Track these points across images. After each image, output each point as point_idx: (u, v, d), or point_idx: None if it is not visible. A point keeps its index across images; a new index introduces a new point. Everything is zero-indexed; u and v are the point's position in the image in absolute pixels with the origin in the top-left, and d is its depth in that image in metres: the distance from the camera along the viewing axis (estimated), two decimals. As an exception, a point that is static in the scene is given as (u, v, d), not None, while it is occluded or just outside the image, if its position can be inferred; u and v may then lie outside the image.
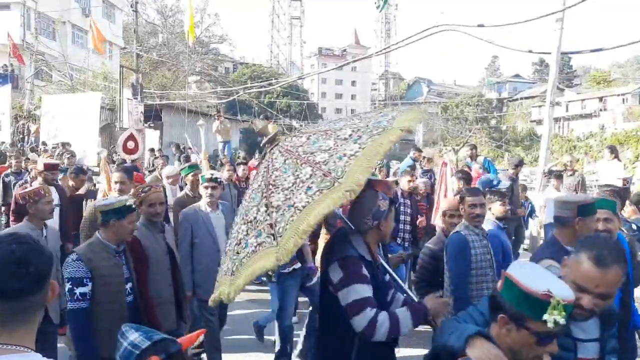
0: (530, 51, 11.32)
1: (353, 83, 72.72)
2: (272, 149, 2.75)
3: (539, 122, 44.44)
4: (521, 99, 60.56)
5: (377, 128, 2.51)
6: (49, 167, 6.83)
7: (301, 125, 54.59)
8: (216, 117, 16.74)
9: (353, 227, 2.76)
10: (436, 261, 4.44)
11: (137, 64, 21.67)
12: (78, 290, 3.28)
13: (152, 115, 22.55)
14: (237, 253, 2.40)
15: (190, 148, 16.01)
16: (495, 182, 7.92)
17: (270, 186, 2.43)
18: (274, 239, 2.20)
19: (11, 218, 6.67)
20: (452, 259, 4.05)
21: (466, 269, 3.95)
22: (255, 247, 2.29)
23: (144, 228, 4.10)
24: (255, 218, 2.41)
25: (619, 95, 51.82)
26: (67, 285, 3.29)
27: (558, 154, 36.23)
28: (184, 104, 22.97)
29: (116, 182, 5.81)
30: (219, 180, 5.16)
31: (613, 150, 9.73)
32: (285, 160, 2.52)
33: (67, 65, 28.05)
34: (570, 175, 9.72)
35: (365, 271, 2.60)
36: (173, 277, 4.19)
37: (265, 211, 2.36)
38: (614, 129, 46.89)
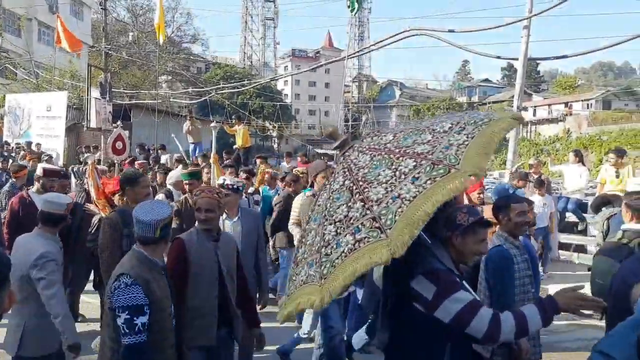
0: (499, 57, 11.54)
1: (327, 85, 72.86)
2: (346, 151, 2.64)
3: (508, 126, 45.10)
4: (490, 103, 61.63)
5: (480, 120, 2.38)
6: (50, 174, 6.12)
7: (274, 127, 54.53)
8: (187, 118, 16.56)
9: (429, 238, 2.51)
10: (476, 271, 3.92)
11: (105, 63, 21.24)
12: (139, 321, 2.76)
13: (121, 115, 22.16)
14: (327, 255, 2.21)
15: (162, 148, 15.81)
16: (511, 191, 7.90)
17: (361, 183, 2.30)
18: (381, 232, 2.05)
19: (4, 230, 5.84)
20: (496, 276, 3.61)
21: (512, 288, 3.57)
22: (354, 244, 2.11)
23: (194, 233, 3.71)
24: (346, 216, 2.24)
25: (583, 100, 53.24)
26: (123, 316, 2.76)
27: (526, 157, 36.93)
28: (155, 104, 22.65)
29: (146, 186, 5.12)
30: (236, 186, 4.66)
31: (577, 154, 9.95)
32: (372, 157, 2.41)
33: (32, 63, 27.38)
34: (536, 177, 9.91)
35: (457, 280, 2.43)
36: (220, 290, 3.66)
37: (363, 206, 2.20)
38: (579, 133, 48.10)
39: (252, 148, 16.40)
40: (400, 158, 2.28)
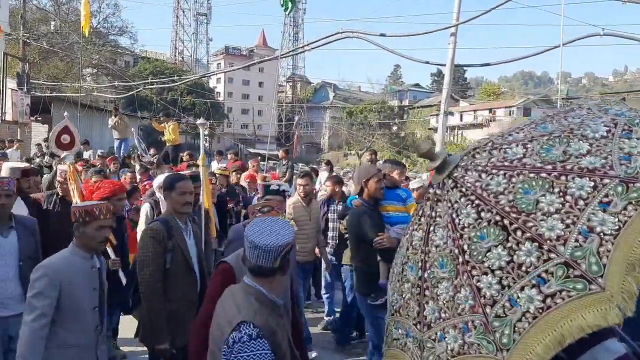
0: (427, 62, 11.81)
1: (260, 84, 72.34)
2: (451, 172, 2.05)
3: (436, 129, 46.75)
4: (420, 107, 63.48)
5: (636, 115, 1.94)
6: (24, 173, 5.05)
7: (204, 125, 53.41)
8: (113, 113, 15.89)
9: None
10: None
11: (24, 52, 20.08)
12: None
13: (40, 109, 20.99)
14: (498, 317, 1.65)
15: (85, 143, 15.02)
16: None
17: (513, 214, 1.74)
18: (589, 282, 1.54)
19: None
20: None
21: None
22: (544, 300, 1.58)
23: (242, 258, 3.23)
24: (510, 261, 1.68)
25: (506, 107, 55.98)
26: None
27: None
28: (77, 98, 21.59)
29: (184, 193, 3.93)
30: (282, 190, 4.05)
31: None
32: (510, 179, 1.82)
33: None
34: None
35: None
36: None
37: (538, 247, 1.65)
38: (502, 138, 50.46)
39: (182, 146, 15.95)
40: (562, 177, 1.75)
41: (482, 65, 10.26)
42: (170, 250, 3.67)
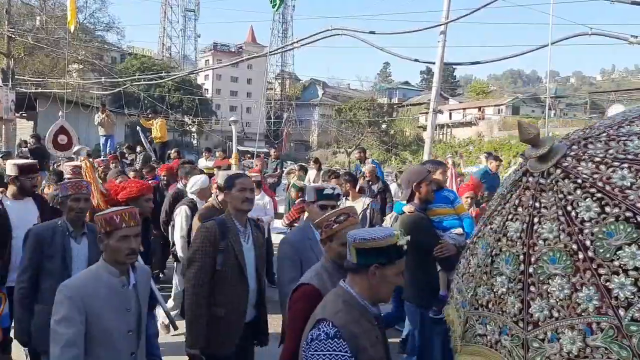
0: (416, 60, 11.76)
1: (249, 81, 72.05)
2: (559, 161, 1.91)
3: (425, 127, 46.97)
4: (409, 105, 63.64)
5: None
6: (26, 170, 4.58)
7: (193, 122, 53.26)
8: (100, 110, 15.69)
9: None
10: None
11: (8, 48, 19.78)
12: None
13: (25, 105, 20.70)
14: (636, 321, 1.51)
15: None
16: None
17: None
18: None
19: None
20: None
21: None
22: None
23: (324, 273, 2.77)
24: None
25: (495, 106, 56.28)
26: None
27: (441, 158, 38.42)
28: (63, 94, 21.31)
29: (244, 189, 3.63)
30: (337, 193, 3.68)
31: (489, 156, 10.38)
32: (637, 174, 1.69)
33: None
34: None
35: None
36: None
37: None
38: (491, 136, 50.78)
39: (169, 143, 15.83)
40: None
41: (471, 63, 10.26)
42: (221, 251, 3.42)
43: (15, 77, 20.02)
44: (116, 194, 4.61)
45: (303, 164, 13.89)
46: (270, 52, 20.08)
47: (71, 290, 2.56)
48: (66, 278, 3.08)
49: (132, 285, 2.77)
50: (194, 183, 5.99)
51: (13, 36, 20.13)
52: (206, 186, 5.96)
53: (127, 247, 2.67)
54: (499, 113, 54.49)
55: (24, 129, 21.26)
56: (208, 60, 71.06)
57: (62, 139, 8.21)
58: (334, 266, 2.64)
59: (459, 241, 4.18)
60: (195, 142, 60.31)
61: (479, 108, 55.87)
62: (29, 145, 14.95)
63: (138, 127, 14.28)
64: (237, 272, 3.47)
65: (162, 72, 33.27)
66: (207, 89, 68.32)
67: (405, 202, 4.50)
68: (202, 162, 14.38)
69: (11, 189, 4.58)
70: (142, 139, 14.12)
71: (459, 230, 4.38)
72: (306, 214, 4.41)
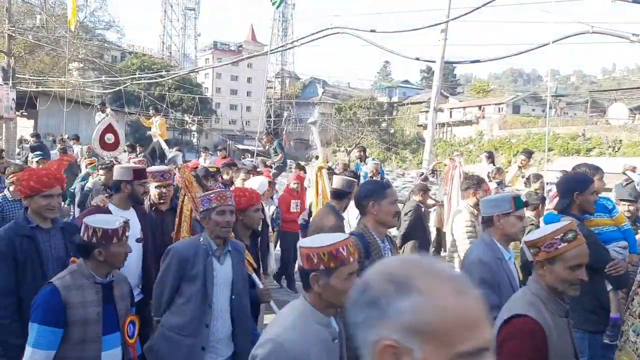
0: (417, 58, 11.77)
1: (249, 80, 71.99)
2: None
3: (425, 126, 46.94)
4: (409, 104, 63.58)
5: None
6: (140, 174, 4.01)
7: (193, 120, 53.24)
8: (100, 109, 15.70)
9: None
10: None
11: (9, 46, 19.78)
12: None
13: (26, 103, 20.71)
14: None
15: (75, 139, 14.79)
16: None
17: None
18: None
19: None
20: None
21: None
22: None
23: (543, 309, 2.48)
24: None
25: (495, 104, 56.24)
26: None
27: (442, 157, 38.48)
28: (64, 92, 21.32)
29: (394, 202, 3.32)
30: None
31: (490, 156, 10.39)
32: None
33: None
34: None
35: None
36: None
37: None
38: (491, 135, 50.77)
39: (169, 141, 15.82)
40: None
41: (472, 62, 10.26)
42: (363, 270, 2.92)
43: (16, 75, 20.03)
44: None
45: (300, 163, 13.88)
46: (270, 50, 20.08)
47: (285, 351, 1.80)
48: (207, 304, 3.11)
49: (338, 334, 2.11)
50: (260, 185, 5.44)
51: (14, 35, 20.13)
52: (266, 189, 5.57)
53: (350, 287, 1.87)
54: (499, 112, 54.45)
55: (25, 127, 21.26)
56: (208, 59, 71.03)
57: (109, 137, 7.57)
58: (547, 294, 2.23)
59: (625, 256, 3.83)
60: (195, 140, 60.30)
61: (480, 107, 55.83)
62: (30, 143, 14.99)
63: (158, 138, 14.20)
64: None
65: (162, 71, 33.26)
66: (207, 88, 68.29)
67: (556, 211, 3.99)
68: (201, 161, 14.39)
69: (120, 195, 3.96)
70: (161, 141, 14.00)
71: (623, 243, 3.97)
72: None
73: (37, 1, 30.25)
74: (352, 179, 4.69)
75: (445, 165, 10.91)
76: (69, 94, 21.97)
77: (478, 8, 9.74)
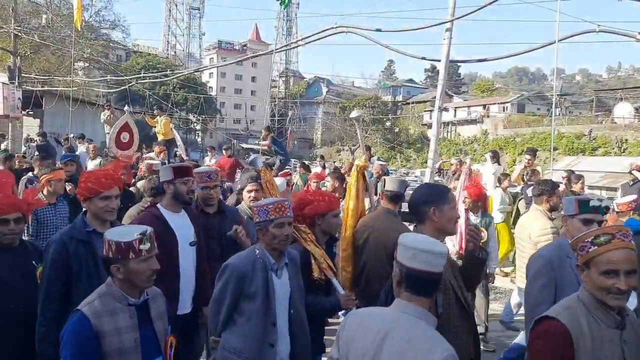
0: (423, 58, 11.72)
1: (253, 79, 72.11)
2: None
3: (430, 125, 46.91)
4: (414, 103, 63.51)
5: None
6: (182, 172, 3.76)
7: (198, 120, 53.30)
8: (105, 108, 15.78)
9: None
10: None
11: (15, 46, 19.85)
12: None
13: (32, 103, 20.79)
14: None
15: (81, 137, 14.86)
16: None
17: None
18: None
19: None
20: None
21: None
22: None
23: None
24: None
25: (500, 103, 56.10)
26: None
27: (446, 156, 38.44)
28: (69, 92, 21.40)
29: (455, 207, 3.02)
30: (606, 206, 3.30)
31: (495, 155, 10.37)
32: None
33: None
34: (457, 178, 10.27)
35: None
36: None
37: None
38: (495, 134, 50.64)
39: (173, 140, 15.88)
40: None
41: (478, 61, 10.25)
42: (441, 290, 2.56)
43: (22, 75, 20.09)
44: (300, 209, 3.65)
45: (305, 162, 13.91)
46: (275, 49, 20.09)
47: None
48: (270, 323, 2.91)
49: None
50: (279, 186, 5.15)
51: (19, 34, 20.20)
52: (285, 189, 5.45)
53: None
54: (504, 111, 54.31)
55: (31, 126, 21.34)
56: (212, 58, 71.18)
57: (125, 136, 7.37)
58: (592, 301, 2.12)
59: None
60: (199, 140, 60.40)
61: (484, 106, 55.71)
62: (36, 141, 15.07)
63: (172, 126, 14.26)
64: (457, 309, 2.65)
65: (166, 70, 33.27)
66: (212, 87, 68.42)
67: (638, 216, 3.80)
68: (207, 160, 14.44)
69: (166, 197, 3.78)
70: (179, 141, 13.99)
71: None
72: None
73: (43, 1, 30.40)
74: (404, 179, 4.61)
75: (452, 164, 10.91)
76: (74, 93, 22.04)
77: (483, 7, 9.72)
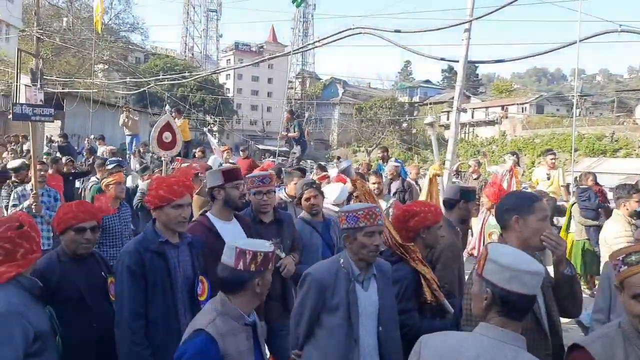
0: (442, 59, 11.66)
1: (270, 80, 72.33)
2: None
3: (447, 126, 46.64)
4: (431, 104, 63.16)
5: None
6: (233, 176, 3.53)
7: (215, 121, 53.63)
8: (124, 109, 15.96)
9: None
10: None
11: (37, 49, 20.16)
12: None
13: (53, 104, 21.08)
14: None
15: (100, 139, 15.11)
16: None
17: None
18: None
19: None
20: None
21: None
22: None
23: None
24: None
25: (519, 104, 55.54)
26: None
27: (464, 158, 38.16)
28: (89, 94, 21.69)
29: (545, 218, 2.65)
30: None
31: (514, 156, 10.27)
32: None
33: (-45, 46, 25.63)
34: (475, 179, 10.19)
35: None
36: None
37: None
38: (514, 135, 50.13)
39: (191, 142, 16.03)
40: None
41: (496, 61, 10.16)
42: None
43: (44, 77, 20.40)
44: (405, 222, 3.32)
45: (322, 163, 13.92)
46: (293, 51, 20.12)
47: None
48: (352, 339, 2.68)
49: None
50: (340, 193, 5.11)
51: (41, 37, 20.51)
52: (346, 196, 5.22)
53: None
54: (522, 112, 53.75)
55: (52, 127, 21.66)
56: (230, 59, 71.55)
57: (167, 136, 6.97)
58: (632, 329, 1.89)
59: None
60: (216, 141, 60.82)
61: (502, 107, 55.20)
62: (58, 142, 15.32)
63: (206, 129, 14.42)
64: (533, 322, 2.41)
65: (184, 72, 33.58)
66: (229, 89, 68.79)
67: None
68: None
69: (217, 204, 3.49)
70: (211, 142, 14.05)
71: None
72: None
73: (64, 4, 30.88)
74: (460, 185, 4.37)
75: (469, 166, 10.83)
76: (94, 95, 22.34)
77: (502, 7, 9.63)
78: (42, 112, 5.52)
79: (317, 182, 4.76)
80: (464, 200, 4.01)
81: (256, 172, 4.69)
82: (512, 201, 2.60)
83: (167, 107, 10.31)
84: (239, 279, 2.13)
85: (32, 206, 5.66)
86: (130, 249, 2.89)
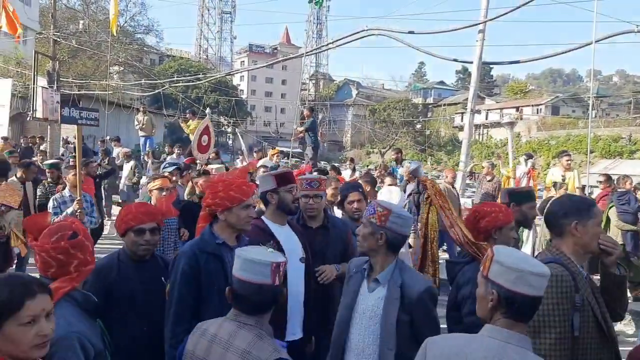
0: (455, 60, 11.68)
1: (283, 82, 72.52)
2: None
3: (461, 128, 46.34)
4: (445, 105, 62.86)
5: None
6: (286, 179, 3.38)
7: (229, 123, 53.90)
8: (140, 110, 16.16)
9: None
10: None
11: (54, 51, 20.42)
12: None
13: (70, 106, 21.36)
14: None
15: (116, 140, 15.32)
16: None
17: None
18: None
19: None
20: None
21: None
22: None
23: None
24: None
25: (533, 105, 55.07)
26: None
27: (478, 159, 37.93)
28: (105, 95, 21.92)
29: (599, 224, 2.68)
30: None
31: (529, 158, 10.21)
32: None
33: (-26, 48, 26.00)
34: (489, 180, 10.14)
35: None
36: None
37: None
38: (529, 137, 49.71)
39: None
40: None
41: (511, 62, 10.09)
42: (578, 309, 2.33)
43: (60, 79, 20.65)
44: (476, 222, 3.20)
45: (335, 165, 13.92)
46: (307, 52, 20.18)
47: None
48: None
49: None
50: (399, 198, 5.05)
51: (58, 39, 20.77)
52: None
53: None
54: (537, 113, 53.29)
55: (68, 129, 21.93)
56: (243, 61, 71.85)
57: (205, 139, 7.10)
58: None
59: None
60: (230, 142, 61.08)
61: (517, 108, 54.77)
62: (74, 143, 15.51)
63: (238, 131, 14.53)
64: (596, 334, 2.34)
65: (199, 74, 33.77)
66: (243, 90, 69.07)
67: None
68: (237, 162, 14.59)
69: (270, 208, 3.36)
70: (242, 144, 14.04)
71: None
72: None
73: (80, 7, 31.24)
74: (508, 188, 4.11)
75: (483, 167, 10.77)
76: (109, 96, 22.59)
77: (517, 8, 9.58)
78: (88, 115, 5.49)
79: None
80: (514, 203, 3.77)
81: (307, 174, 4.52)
82: (570, 206, 2.49)
83: (208, 110, 10.24)
84: (276, 295, 2.03)
85: (77, 213, 5.44)
86: (185, 250, 2.87)
